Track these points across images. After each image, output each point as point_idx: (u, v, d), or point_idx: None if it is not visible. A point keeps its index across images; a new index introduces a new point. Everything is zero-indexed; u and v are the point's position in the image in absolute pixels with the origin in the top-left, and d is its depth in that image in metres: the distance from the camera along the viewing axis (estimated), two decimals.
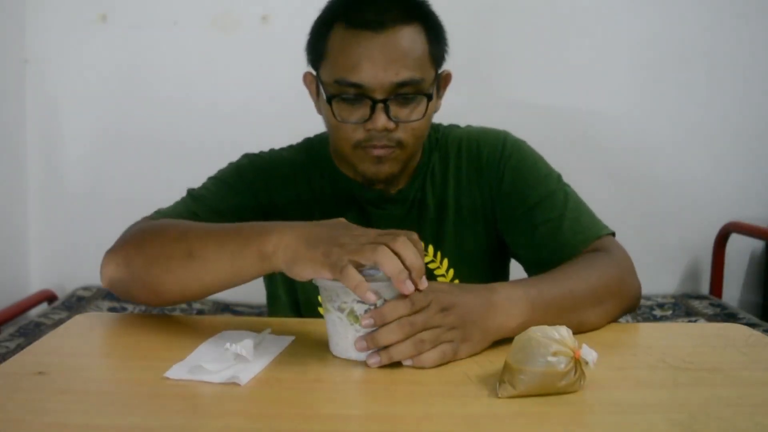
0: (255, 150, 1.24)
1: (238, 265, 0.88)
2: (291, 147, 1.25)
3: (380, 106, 1.02)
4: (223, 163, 1.24)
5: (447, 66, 1.14)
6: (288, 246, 0.84)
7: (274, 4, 2.31)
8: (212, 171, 1.25)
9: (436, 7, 1.11)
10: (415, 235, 0.83)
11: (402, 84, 1.02)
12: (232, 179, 1.17)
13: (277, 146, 1.26)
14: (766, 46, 2.38)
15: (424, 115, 1.05)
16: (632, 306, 1.06)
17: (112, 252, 1.01)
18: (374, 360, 0.82)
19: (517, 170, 1.15)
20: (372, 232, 0.82)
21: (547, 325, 0.78)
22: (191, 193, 1.15)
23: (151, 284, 0.96)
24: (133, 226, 1.04)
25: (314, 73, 1.11)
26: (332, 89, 1.04)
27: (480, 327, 0.86)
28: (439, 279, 1.16)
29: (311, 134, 1.27)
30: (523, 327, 0.81)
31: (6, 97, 2.26)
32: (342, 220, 0.87)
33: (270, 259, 0.85)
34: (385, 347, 0.82)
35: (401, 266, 0.79)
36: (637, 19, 2.35)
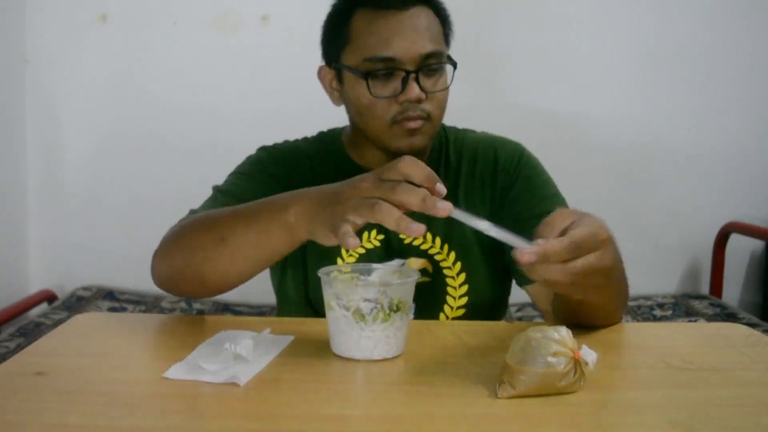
0: (251, 149, 1.25)
1: (268, 242, 0.90)
2: (305, 138, 1.27)
3: (412, 76, 1.07)
4: (221, 163, 1.25)
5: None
6: (306, 212, 0.85)
7: (274, 4, 2.31)
8: (211, 170, 1.26)
9: None
10: (411, 162, 0.79)
11: (429, 55, 1.08)
12: (253, 171, 1.19)
13: None
14: (766, 46, 2.38)
15: (448, 85, 1.11)
16: (621, 315, 1.06)
17: (156, 254, 1.04)
18: (525, 258, 0.74)
19: (530, 180, 1.19)
20: (369, 182, 0.80)
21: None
22: (218, 188, 1.17)
23: (194, 276, 0.98)
24: (175, 226, 1.06)
25: (331, 65, 1.15)
26: (363, 68, 1.09)
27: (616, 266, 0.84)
28: (445, 271, 1.17)
29: (310, 134, 1.27)
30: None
31: (6, 97, 2.26)
32: (364, 175, 0.83)
33: (295, 230, 0.87)
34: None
35: (400, 216, 0.77)
36: (637, 21, 2.35)
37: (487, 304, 1.19)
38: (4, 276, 2.25)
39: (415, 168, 0.79)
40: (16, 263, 2.34)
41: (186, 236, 0.99)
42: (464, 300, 1.17)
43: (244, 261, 0.94)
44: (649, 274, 2.39)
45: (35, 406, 0.72)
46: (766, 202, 2.44)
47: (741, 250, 2.46)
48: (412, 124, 1.10)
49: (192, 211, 1.12)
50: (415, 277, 0.87)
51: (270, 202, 0.92)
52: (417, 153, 1.12)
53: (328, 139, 1.25)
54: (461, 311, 1.16)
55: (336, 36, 1.12)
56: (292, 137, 1.28)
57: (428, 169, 0.79)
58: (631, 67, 2.37)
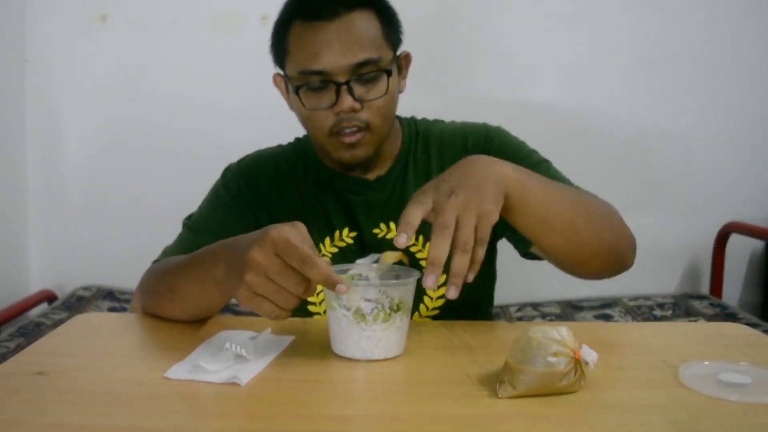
0: (251, 150, 1.27)
1: (205, 294, 0.95)
2: (279, 145, 1.29)
3: (344, 88, 1.06)
4: (221, 162, 1.27)
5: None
6: (224, 273, 0.88)
7: (274, 4, 2.28)
8: (210, 169, 1.27)
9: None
10: (310, 265, 0.81)
11: (361, 64, 1.07)
12: (218, 197, 1.22)
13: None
14: (765, 47, 2.38)
15: (386, 92, 1.09)
16: (627, 250, 1.07)
17: (133, 296, 1.13)
18: (453, 293, 0.83)
19: (502, 149, 1.18)
20: (263, 258, 0.81)
21: (534, 197, 0.82)
22: (187, 225, 1.21)
23: (161, 316, 1.04)
24: (146, 271, 1.13)
25: (282, 73, 1.15)
26: (298, 81, 1.09)
27: (483, 182, 0.87)
28: (421, 262, 1.16)
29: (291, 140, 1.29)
30: (519, 180, 0.88)
31: (6, 97, 2.26)
32: (262, 239, 0.83)
33: (222, 285, 0.90)
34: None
35: (279, 313, 0.83)
36: (637, 20, 2.35)
37: (467, 300, 1.18)
38: (4, 276, 2.25)
39: (315, 273, 0.80)
40: (16, 263, 2.34)
41: (149, 286, 1.08)
42: (442, 290, 1.15)
43: (191, 308, 1.00)
44: (649, 274, 2.39)
45: (36, 405, 0.72)
46: (766, 202, 2.44)
47: (741, 250, 2.45)
48: (349, 139, 1.09)
49: (164, 251, 1.17)
50: (416, 277, 0.87)
51: (206, 254, 0.96)
52: (363, 163, 1.14)
53: (302, 143, 1.26)
54: (440, 302, 1.16)
55: (279, 46, 1.13)
56: (291, 137, 1.29)
57: (327, 273, 0.81)
58: (632, 65, 2.36)
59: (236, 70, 2.32)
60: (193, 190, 1.31)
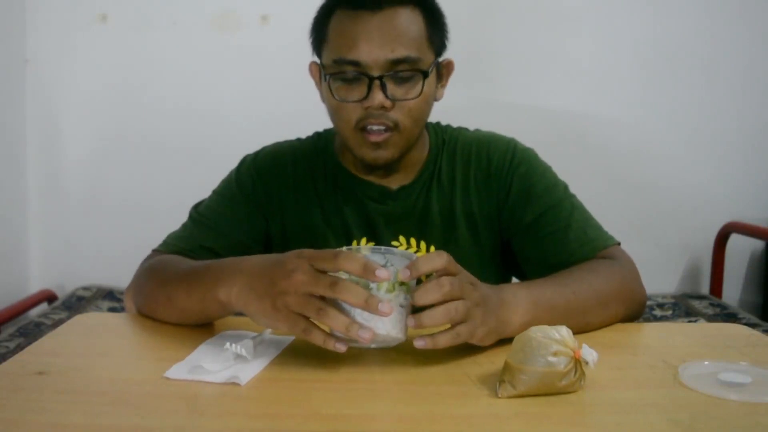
0: (254, 149, 1.25)
1: (207, 310, 0.95)
2: (299, 139, 1.26)
3: (376, 83, 1.03)
4: (220, 162, 1.26)
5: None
6: (238, 296, 0.87)
7: (274, 4, 2.31)
8: (210, 169, 1.26)
9: None
10: (348, 258, 0.78)
11: (398, 61, 1.03)
12: (230, 191, 1.20)
13: None
14: (765, 48, 2.38)
15: (420, 94, 1.06)
16: (637, 312, 1.07)
17: (127, 290, 1.11)
18: (412, 323, 0.80)
19: (525, 179, 1.15)
20: (304, 274, 0.79)
21: (550, 325, 0.78)
22: (193, 217, 1.18)
23: (156, 318, 1.03)
24: (143, 263, 1.12)
25: (318, 61, 1.13)
26: (331, 69, 1.06)
27: (495, 315, 0.86)
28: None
29: (311, 134, 1.27)
30: (526, 326, 0.81)
31: (6, 97, 2.26)
32: (294, 258, 0.82)
33: (230, 306, 0.90)
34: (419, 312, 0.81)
35: (349, 322, 0.78)
36: (638, 21, 2.35)
37: None
38: (4, 276, 2.25)
39: (352, 264, 0.78)
40: (16, 263, 2.34)
41: (145, 287, 1.05)
42: None
43: (191, 319, 0.98)
44: (649, 274, 2.36)
45: (36, 405, 0.73)
46: (766, 202, 2.44)
47: (741, 250, 2.46)
48: (375, 138, 1.06)
49: (166, 241, 1.15)
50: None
51: (208, 272, 0.93)
52: (386, 165, 1.10)
53: (322, 139, 1.23)
54: None
55: (318, 33, 1.11)
56: (291, 137, 1.27)
57: (364, 261, 0.78)
58: (632, 66, 2.37)
59: (236, 70, 2.32)
60: (192, 189, 1.31)
